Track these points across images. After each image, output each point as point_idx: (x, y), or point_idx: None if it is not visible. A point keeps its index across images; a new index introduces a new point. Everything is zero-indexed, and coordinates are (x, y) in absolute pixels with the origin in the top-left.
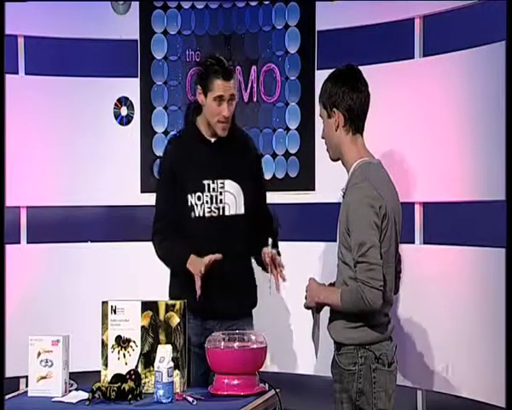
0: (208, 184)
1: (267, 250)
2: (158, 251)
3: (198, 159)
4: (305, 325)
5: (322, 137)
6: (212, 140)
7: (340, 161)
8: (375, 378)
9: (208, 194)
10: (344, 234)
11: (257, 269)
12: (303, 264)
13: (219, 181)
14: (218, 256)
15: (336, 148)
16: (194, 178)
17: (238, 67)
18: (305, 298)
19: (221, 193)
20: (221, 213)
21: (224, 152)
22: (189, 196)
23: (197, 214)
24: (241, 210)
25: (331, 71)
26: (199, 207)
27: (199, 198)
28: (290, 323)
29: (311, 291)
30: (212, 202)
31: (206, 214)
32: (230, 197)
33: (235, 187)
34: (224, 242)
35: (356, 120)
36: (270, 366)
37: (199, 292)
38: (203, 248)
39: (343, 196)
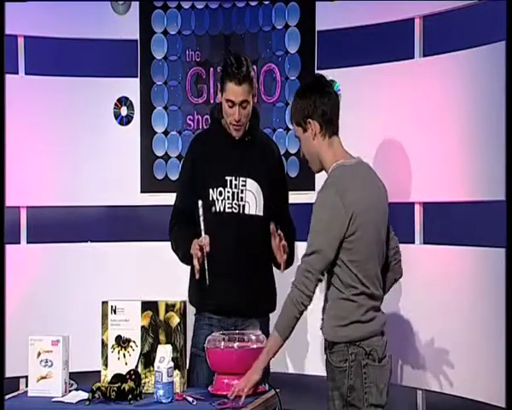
0: (230, 181)
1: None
2: (172, 245)
3: (222, 154)
4: (306, 325)
5: (303, 156)
6: (237, 138)
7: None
8: (365, 374)
9: (230, 190)
10: None
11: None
12: None
13: (241, 178)
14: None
15: (316, 157)
16: (217, 173)
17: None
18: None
19: (242, 191)
20: (241, 210)
21: (248, 151)
22: (211, 191)
23: (217, 209)
24: (260, 212)
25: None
26: (219, 202)
27: (220, 193)
28: None
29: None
30: (233, 199)
31: (227, 210)
32: (251, 196)
33: (256, 187)
34: (241, 239)
35: (330, 124)
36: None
37: (197, 275)
38: (220, 243)
39: None
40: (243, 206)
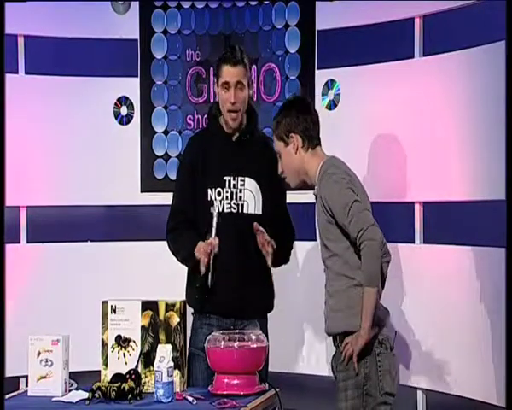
0: (229, 181)
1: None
2: (171, 246)
3: (220, 154)
4: (306, 324)
5: (281, 172)
6: (234, 137)
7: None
8: (380, 362)
9: (228, 190)
10: (325, 225)
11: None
12: (302, 263)
13: (240, 178)
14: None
15: (299, 169)
16: (215, 173)
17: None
18: (346, 356)
19: (241, 190)
20: (240, 210)
21: (246, 150)
22: (209, 191)
23: (216, 209)
24: (259, 211)
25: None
26: (218, 202)
27: (219, 193)
28: (290, 322)
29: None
30: (231, 199)
31: (226, 210)
32: (250, 196)
33: (255, 186)
34: (240, 239)
35: (312, 138)
36: (270, 365)
37: (200, 275)
38: (219, 243)
39: (316, 198)
40: (242, 205)
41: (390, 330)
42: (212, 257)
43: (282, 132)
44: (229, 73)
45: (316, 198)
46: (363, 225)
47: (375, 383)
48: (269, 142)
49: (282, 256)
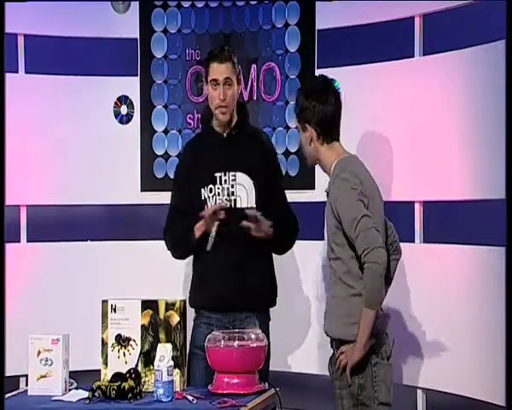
0: (220, 177)
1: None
2: (169, 242)
3: (210, 153)
4: (307, 323)
5: (298, 150)
6: (225, 133)
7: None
8: (375, 372)
9: (220, 186)
10: (334, 230)
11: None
12: (302, 263)
13: (231, 173)
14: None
15: (313, 156)
16: (207, 171)
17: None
18: (340, 366)
19: (233, 186)
20: (233, 205)
21: (236, 145)
22: (202, 190)
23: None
24: (252, 203)
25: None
26: (211, 199)
27: (211, 191)
28: (290, 321)
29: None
30: (223, 195)
31: None
32: (242, 190)
33: (247, 181)
34: (235, 234)
35: (329, 132)
36: (272, 364)
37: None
38: (216, 240)
39: (327, 196)
40: (235, 200)
41: (389, 337)
42: (215, 224)
43: (299, 118)
44: (218, 70)
45: (327, 196)
46: (368, 245)
47: (370, 393)
48: (259, 134)
49: (283, 244)
